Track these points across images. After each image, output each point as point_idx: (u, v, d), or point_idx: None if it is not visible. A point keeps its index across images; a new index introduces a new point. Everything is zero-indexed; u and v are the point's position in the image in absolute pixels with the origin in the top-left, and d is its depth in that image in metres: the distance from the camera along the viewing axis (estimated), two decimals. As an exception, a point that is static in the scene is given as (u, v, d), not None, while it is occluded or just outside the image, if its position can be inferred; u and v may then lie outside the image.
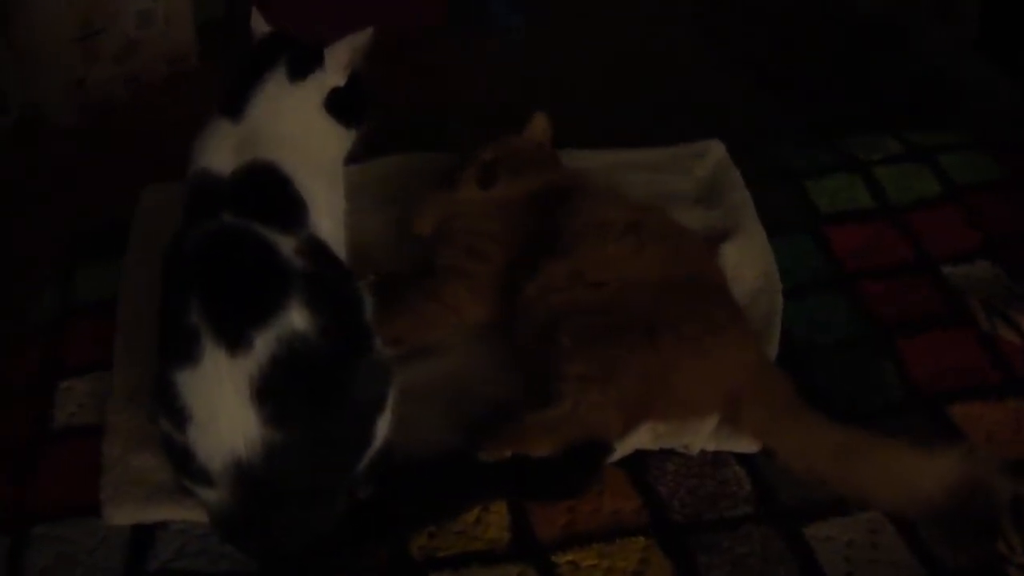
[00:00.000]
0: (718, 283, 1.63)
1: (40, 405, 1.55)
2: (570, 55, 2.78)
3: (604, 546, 1.38)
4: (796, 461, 1.46)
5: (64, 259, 1.83)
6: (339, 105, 1.43)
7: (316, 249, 1.35)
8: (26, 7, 2.42)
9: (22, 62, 2.48)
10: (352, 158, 1.53)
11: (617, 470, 1.48)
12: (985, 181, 1.95)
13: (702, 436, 1.49)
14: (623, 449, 1.48)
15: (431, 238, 1.73)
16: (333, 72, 1.41)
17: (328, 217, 1.40)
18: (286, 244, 1.31)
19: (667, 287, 1.55)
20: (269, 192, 1.34)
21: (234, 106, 1.39)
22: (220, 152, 1.36)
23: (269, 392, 1.25)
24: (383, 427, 1.38)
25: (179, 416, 1.28)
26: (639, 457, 1.49)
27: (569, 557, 1.37)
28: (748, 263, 1.76)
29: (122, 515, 1.39)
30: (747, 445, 1.50)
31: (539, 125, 1.80)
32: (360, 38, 1.42)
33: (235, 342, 1.25)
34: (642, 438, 1.49)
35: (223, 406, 1.26)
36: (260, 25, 1.46)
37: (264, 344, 1.25)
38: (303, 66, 1.40)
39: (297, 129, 1.39)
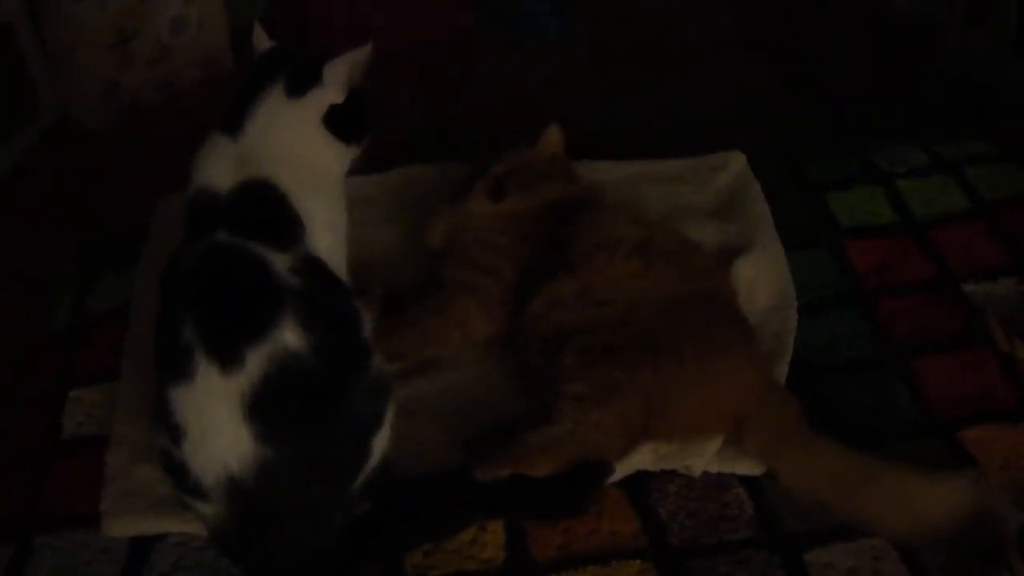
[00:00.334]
0: (727, 302, 1.61)
1: (51, 414, 1.58)
2: (600, 60, 2.75)
3: (599, 568, 1.37)
4: (800, 485, 1.43)
5: (83, 267, 1.85)
6: (338, 122, 1.43)
7: (312, 266, 1.35)
8: (60, 14, 2.45)
9: (56, 68, 2.51)
10: (356, 170, 1.54)
11: (617, 491, 1.46)
12: (1015, 195, 1.90)
13: (704, 458, 1.48)
14: (623, 469, 1.46)
15: (442, 251, 1.73)
16: (332, 89, 1.41)
17: (326, 234, 1.40)
18: (281, 262, 1.32)
19: (673, 307, 1.53)
20: (265, 210, 1.35)
21: (233, 123, 1.39)
22: (219, 169, 1.37)
23: (261, 409, 1.26)
24: (380, 444, 1.38)
25: (174, 431, 1.29)
26: (641, 478, 1.48)
27: (563, 578, 1.36)
28: (763, 279, 1.73)
29: (121, 527, 1.41)
30: (750, 467, 1.48)
31: (552, 137, 1.79)
32: (359, 55, 1.42)
33: (227, 360, 1.26)
34: (643, 459, 1.48)
35: (216, 423, 1.27)
36: (261, 40, 1.46)
37: (256, 362, 1.26)
38: (301, 83, 1.40)
39: (295, 146, 1.40)
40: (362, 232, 1.83)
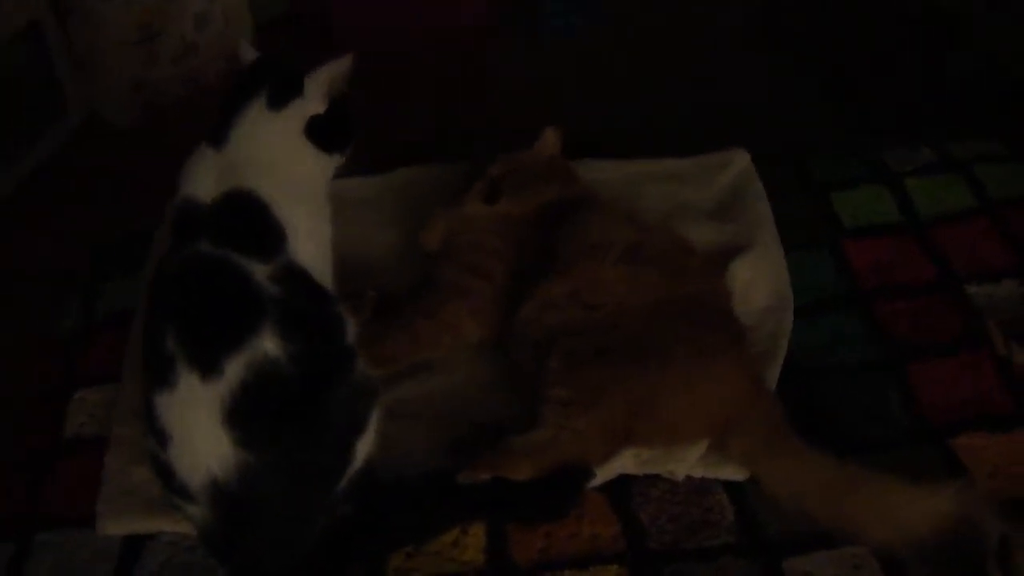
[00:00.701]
0: (719, 306, 1.60)
1: (55, 415, 1.63)
2: (621, 57, 2.73)
3: (577, 572, 1.39)
4: (783, 492, 1.43)
5: (93, 268, 1.90)
6: (320, 132, 1.45)
7: (293, 275, 1.38)
8: (85, 12, 2.50)
9: (82, 65, 2.57)
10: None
11: (600, 495, 1.48)
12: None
13: (687, 463, 1.48)
14: (606, 474, 1.48)
15: (438, 253, 1.74)
16: (312, 100, 1.43)
17: (309, 243, 1.42)
18: (261, 271, 1.35)
19: (662, 311, 1.53)
20: (247, 220, 1.38)
21: (218, 134, 1.42)
22: (203, 180, 1.40)
23: (240, 416, 1.29)
24: (364, 448, 1.41)
25: (160, 436, 1.33)
26: (624, 482, 1.49)
27: (542, 582, 1.38)
28: (759, 281, 1.73)
29: (115, 526, 1.46)
30: (734, 473, 1.48)
31: (550, 139, 1.80)
32: (339, 66, 1.44)
33: (207, 368, 1.29)
34: (626, 463, 1.49)
35: (198, 428, 1.30)
36: (247, 53, 1.49)
37: (234, 370, 1.29)
38: (283, 94, 1.43)
39: (277, 157, 1.42)
40: (362, 233, 1.88)
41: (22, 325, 1.94)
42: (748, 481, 1.47)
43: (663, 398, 1.46)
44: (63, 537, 1.46)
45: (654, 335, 1.49)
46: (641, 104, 2.52)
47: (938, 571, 1.36)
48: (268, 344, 1.31)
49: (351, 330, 1.44)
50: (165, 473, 1.35)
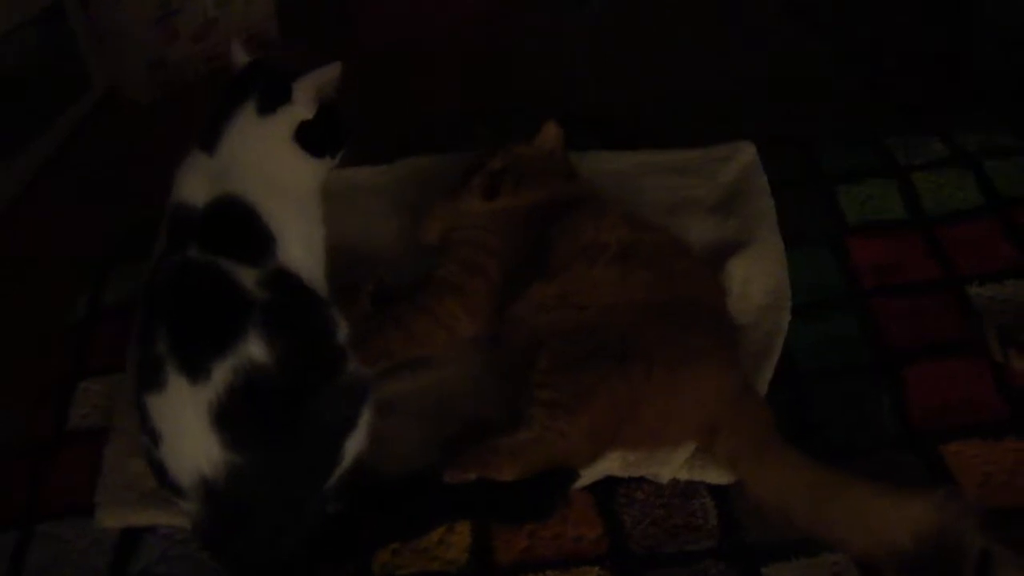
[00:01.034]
0: (711, 307, 1.60)
1: (61, 404, 1.67)
2: (644, 35, 2.71)
3: (558, 574, 1.40)
4: (766, 496, 1.44)
5: (105, 255, 1.94)
6: (309, 137, 1.46)
7: (282, 280, 1.40)
8: (107, -12, 2.54)
9: (103, 42, 2.59)
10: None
11: (586, 495, 1.49)
12: (1033, 192, 1.85)
13: (672, 466, 1.49)
14: (591, 475, 1.49)
15: (436, 247, 1.76)
16: (301, 105, 1.45)
17: (300, 246, 1.44)
18: (249, 277, 1.37)
19: (651, 313, 1.53)
20: (236, 226, 1.40)
21: (209, 140, 1.44)
22: (195, 185, 1.43)
23: (227, 419, 1.33)
24: (353, 447, 1.43)
25: (152, 435, 1.37)
26: (610, 483, 1.50)
27: (523, 582, 1.40)
28: (757, 279, 1.72)
29: (113, 518, 1.49)
30: (720, 476, 1.49)
31: (549, 133, 1.79)
32: (327, 73, 1.45)
33: (195, 372, 1.32)
34: (611, 465, 1.50)
35: (187, 430, 1.34)
36: (239, 56, 1.50)
37: (221, 375, 1.32)
38: (271, 100, 1.44)
39: (267, 163, 1.44)
40: (368, 223, 1.90)
41: (38, 310, 1.99)
42: (734, 485, 1.48)
43: (647, 402, 1.47)
44: (63, 527, 1.50)
45: (640, 338, 1.50)
46: (656, 78, 2.50)
47: (918, 581, 1.37)
48: (254, 349, 1.33)
49: (343, 330, 1.46)
50: (158, 470, 1.39)
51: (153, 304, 1.39)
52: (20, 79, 2.47)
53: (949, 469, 1.48)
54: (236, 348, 1.33)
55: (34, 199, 2.45)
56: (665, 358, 1.48)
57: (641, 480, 1.50)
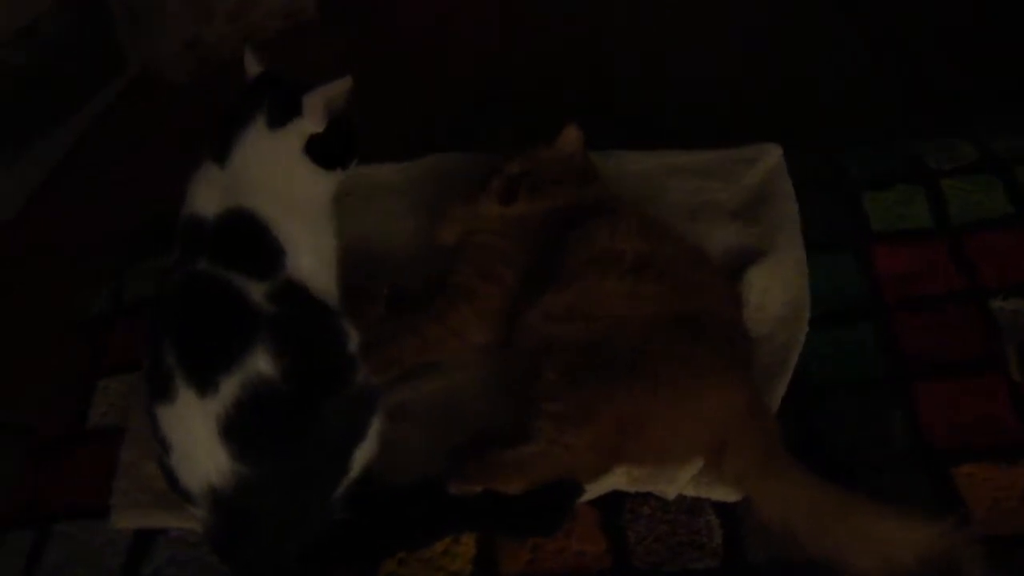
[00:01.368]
0: (724, 322, 1.58)
1: (80, 402, 1.70)
2: (673, 15, 2.67)
3: (560, 589, 1.42)
4: (772, 514, 1.43)
5: (130, 248, 1.96)
6: (319, 151, 1.46)
7: (291, 293, 1.41)
8: (142, -32, 2.55)
9: (138, 22, 2.61)
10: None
11: (591, 509, 1.49)
12: (1063, 201, 1.79)
13: (678, 483, 1.49)
14: (597, 490, 1.49)
15: (452, 250, 1.75)
16: (311, 119, 1.45)
17: (310, 258, 1.45)
18: (258, 291, 1.39)
19: (661, 329, 1.52)
20: (245, 240, 1.41)
21: (221, 152, 1.45)
22: (206, 197, 1.44)
23: (235, 432, 1.35)
24: (362, 456, 1.45)
25: (162, 443, 1.40)
26: (617, 497, 1.50)
27: (523, 597, 1.42)
28: (776, 288, 1.70)
29: (127, 519, 1.53)
30: (726, 494, 1.48)
31: (570, 137, 1.77)
32: (338, 86, 1.45)
33: (203, 386, 1.35)
34: (617, 480, 1.50)
35: (196, 441, 1.37)
36: (252, 66, 1.50)
37: (229, 389, 1.34)
38: (282, 114, 1.44)
39: (277, 176, 1.44)
40: (385, 222, 1.90)
41: (65, 298, 2.02)
42: (740, 503, 1.47)
43: (653, 419, 1.46)
44: (79, 527, 1.53)
45: (649, 355, 1.49)
46: (689, 61, 2.47)
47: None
48: (262, 363, 1.35)
49: (352, 340, 1.47)
50: (169, 476, 1.42)
51: (161, 316, 1.41)
52: (55, 59, 2.49)
53: (958, 491, 1.45)
54: (243, 362, 1.35)
55: (64, 181, 2.49)
56: (672, 376, 1.47)
57: (648, 495, 1.50)
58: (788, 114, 2.13)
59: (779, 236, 1.77)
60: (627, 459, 1.49)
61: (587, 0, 2.84)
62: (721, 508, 1.48)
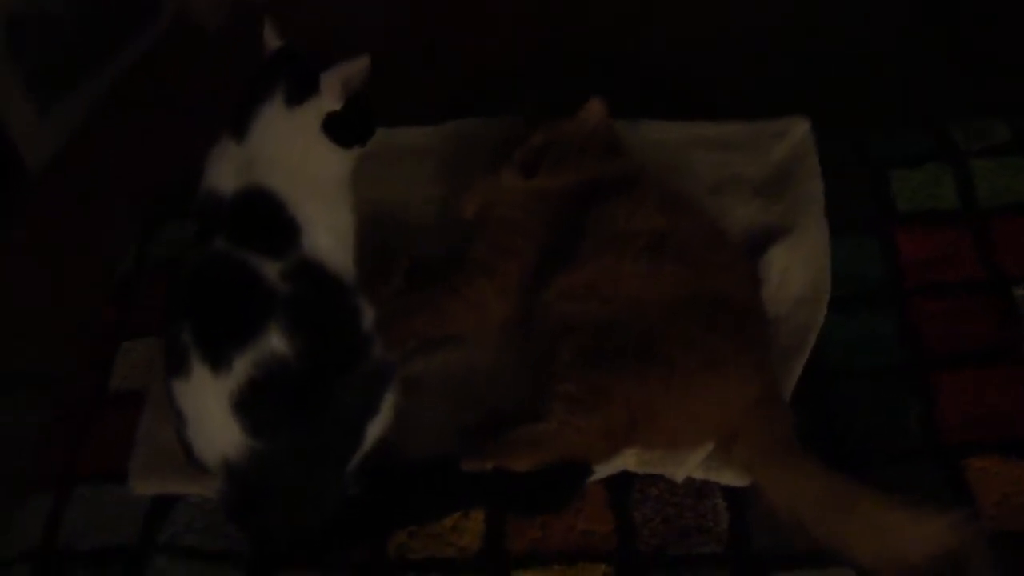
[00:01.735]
0: (742, 305, 1.57)
1: (104, 365, 1.72)
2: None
3: (565, 568, 1.43)
4: (780, 502, 1.43)
5: (153, 205, 1.97)
6: (337, 129, 1.46)
7: (307, 271, 1.43)
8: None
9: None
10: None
11: (601, 488, 1.51)
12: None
13: (687, 466, 1.50)
14: (606, 470, 1.51)
15: (473, 222, 1.75)
16: (329, 97, 1.44)
17: (327, 236, 1.46)
18: (273, 270, 1.40)
19: (677, 312, 1.52)
20: (262, 218, 1.42)
21: (239, 128, 1.45)
22: (224, 173, 1.45)
23: (248, 408, 1.38)
24: (375, 431, 1.47)
25: (179, 416, 1.43)
26: (626, 477, 1.51)
27: (529, 575, 1.43)
28: (798, 269, 1.68)
29: (146, 485, 1.55)
30: (735, 478, 1.49)
31: (594, 110, 1.75)
32: (355, 65, 1.44)
33: (217, 363, 1.37)
34: (627, 461, 1.51)
35: (210, 416, 1.39)
36: (271, 40, 1.49)
37: (242, 366, 1.36)
38: (299, 92, 1.44)
39: (294, 153, 1.45)
40: (406, 189, 1.90)
41: (94, 257, 2.04)
42: (749, 488, 1.47)
43: (665, 404, 1.47)
44: (99, 491, 1.56)
45: (663, 339, 1.49)
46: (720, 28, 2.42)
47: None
48: (276, 342, 1.37)
49: (368, 317, 1.48)
50: (186, 447, 1.46)
51: (178, 292, 1.43)
52: (90, 6, 2.49)
53: (969, 485, 1.45)
54: (257, 341, 1.37)
55: (97, 131, 2.50)
56: (686, 363, 1.47)
57: (657, 476, 1.51)
58: (817, 86, 2.08)
59: (802, 215, 1.75)
60: (637, 442, 1.50)
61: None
62: (729, 492, 1.49)
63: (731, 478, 1.49)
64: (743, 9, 2.56)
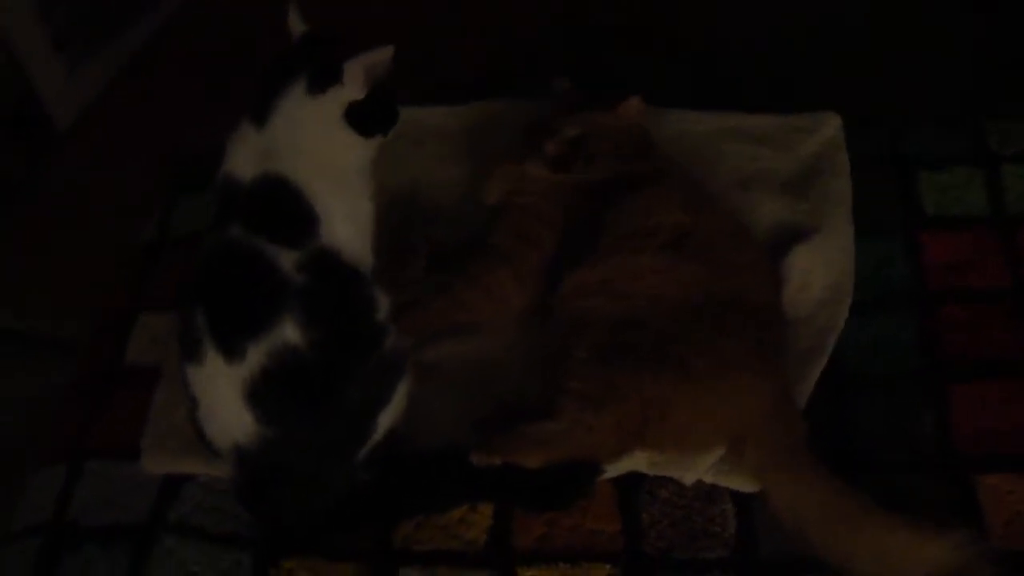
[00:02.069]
0: (760, 307, 1.55)
1: (121, 337, 1.72)
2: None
3: (569, 568, 1.43)
4: (785, 512, 1.43)
5: (176, 174, 1.96)
6: (359, 118, 1.44)
7: (323, 261, 1.42)
8: None
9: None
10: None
11: (610, 487, 1.50)
12: None
13: (697, 470, 1.49)
14: (615, 470, 1.50)
15: (495, 209, 1.74)
16: (351, 86, 1.42)
17: (346, 225, 1.45)
18: (288, 260, 1.39)
19: (694, 312, 1.50)
20: (279, 208, 1.42)
21: (259, 114, 1.44)
22: (243, 159, 1.44)
23: (260, 397, 1.38)
24: (386, 420, 1.48)
25: (191, 401, 1.44)
26: (636, 478, 1.51)
27: (533, 572, 1.44)
28: (821, 270, 1.66)
29: (157, 463, 1.57)
30: (744, 484, 1.48)
31: (631, 109, 1.72)
32: (379, 55, 1.42)
33: (230, 352, 1.37)
34: (637, 462, 1.50)
35: (223, 403, 1.40)
36: (296, 24, 1.48)
37: (256, 356, 1.37)
38: (322, 80, 1.42)
39: (315, 142, 1.43)
40: (430, 169, 1.88)
41: (118, 223, 2.04)
42: (758, 494, 1.47)
43: (677, 407, 1.46)
44: (111, 467, 1.58)
45: (678, 341, 1.48)
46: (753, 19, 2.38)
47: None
48: (289, 333, 1.37)
49: (383, 307, 1.48)
50: (198, 430, 1.46)
51: (194, 282, 1.43)
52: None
53: (979, 502, 1.44)
54: (271, 331, 1.37)
55: (124, 92, 2.49)
56: (701, 366, 1.46)
57: (667, 478, 1.50)
58: (851, 81, 2.04)
59: (828, 215, 1.72)
60: (648, 444, 1.49)
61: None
62: (739, 497, 1.48)
63: (741, 483, 1.48)
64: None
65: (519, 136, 1.76)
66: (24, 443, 1.79)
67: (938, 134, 1.86)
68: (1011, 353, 1.58)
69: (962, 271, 1.67)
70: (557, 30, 2.47)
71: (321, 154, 1.44)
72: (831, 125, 1.85)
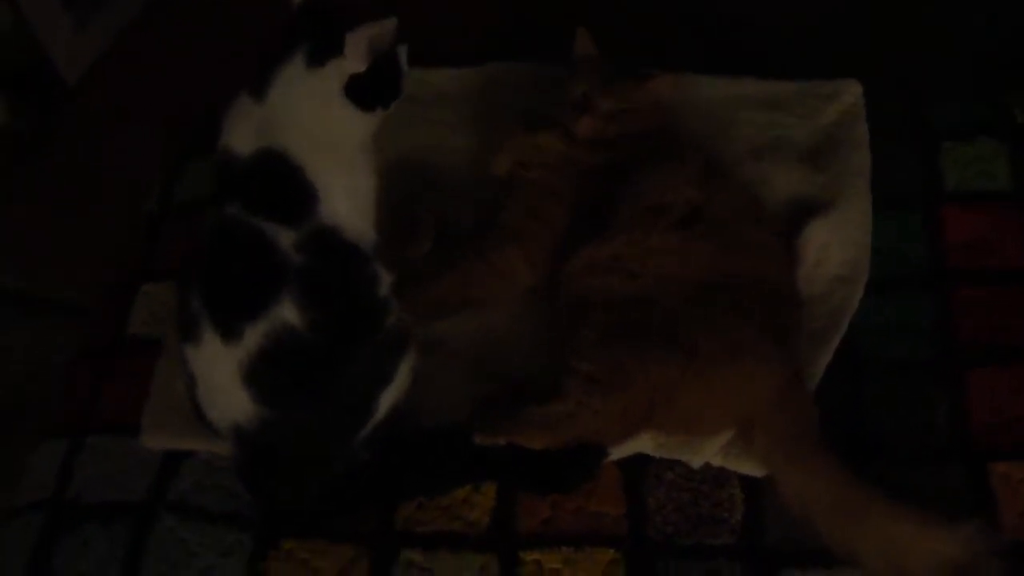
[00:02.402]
0: (773, 287, 1.52)
1: (124, 307, 1.70)
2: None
3: (572, 551, 1.42)
4: (792, 499, 1.40)
5: (181, 138, 1.92)
6: (359, 91, 1.40)
7: (322, 239, 1.39)
8: None
9: None
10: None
11: (615, 470, 1.48)
12: None
13: (705, 453, 1.47)
14: (621, 452, 1.48)
15: (504, 182, 1.69)
16: (352, 59, 1.38)
17: (346, 200, 1.42)
18: (287, 239, 1.36)
19: (705, 293, 1.47)
20: (277, 186, 1.38)
21: (259, 86, 1.40)
22: (241, 132, 1.40)
23: (257, 378, 1.36)
24: (388, 398, 1.45)
25: (190, 380, 1.42)
26: (642, 460, 1.49)
27: (536, 556, 1.42)
28: (837, 247, 1.62)
29: (156, 440, 1.55)
30: (753, 468, 1.46)
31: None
32: (381, 27, 1.37)
33: (228, 332, 1.35)
34: (644, 444, 1.48)
35: (220, 383, 1.38)
36: None
37: (253, 337, 1.34)
38: (322, 53, 1.37)
39: (314, 117, 1.39)
40: (439, 137, 1.84)
41: (124, 185, 2.01)
42: (766, 478, 1.44)
43: (684, 391, 1.43)
44: (112, 442, 1.56)
45: (688, 323, 1.44)
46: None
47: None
48: (288, 313, 1.35)
49: (384, 284, 1.45)
50: (196, 409, 1.45)
51: (191, 262, 1.41)
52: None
53: (992, 491, 1.41)
54: (269, 312, 1.34)
55: (132, 48, 2.45)
56: (710, 350, 1.42)
57: (674, 460, 1.48)
58: (874, 48, 1.96)
59: (846, 188, 1.67)
60: (655, 427, 1.47)
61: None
62: (747, 482, 1.45)
63: (750, 467, 1.46)
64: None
65: (531, 103, 1.71)
66: (26, 402, 1.77)
67: (961, 104, 1.79)
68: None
69: (981, 250, 1.62)
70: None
71: (320, 128, 1.39)
72: (851, 93, 1.79)
